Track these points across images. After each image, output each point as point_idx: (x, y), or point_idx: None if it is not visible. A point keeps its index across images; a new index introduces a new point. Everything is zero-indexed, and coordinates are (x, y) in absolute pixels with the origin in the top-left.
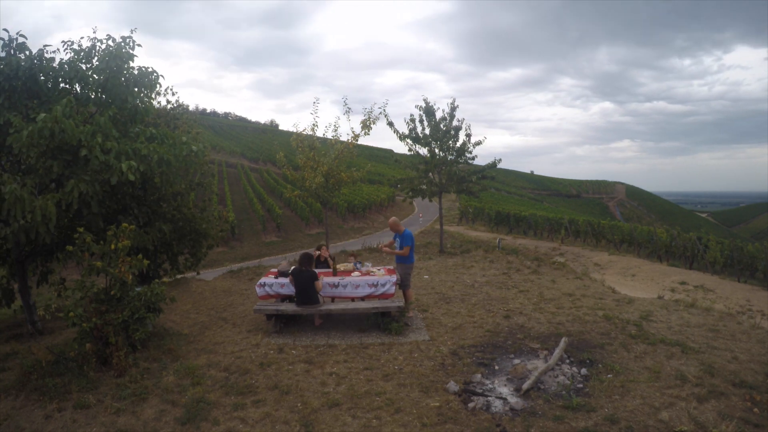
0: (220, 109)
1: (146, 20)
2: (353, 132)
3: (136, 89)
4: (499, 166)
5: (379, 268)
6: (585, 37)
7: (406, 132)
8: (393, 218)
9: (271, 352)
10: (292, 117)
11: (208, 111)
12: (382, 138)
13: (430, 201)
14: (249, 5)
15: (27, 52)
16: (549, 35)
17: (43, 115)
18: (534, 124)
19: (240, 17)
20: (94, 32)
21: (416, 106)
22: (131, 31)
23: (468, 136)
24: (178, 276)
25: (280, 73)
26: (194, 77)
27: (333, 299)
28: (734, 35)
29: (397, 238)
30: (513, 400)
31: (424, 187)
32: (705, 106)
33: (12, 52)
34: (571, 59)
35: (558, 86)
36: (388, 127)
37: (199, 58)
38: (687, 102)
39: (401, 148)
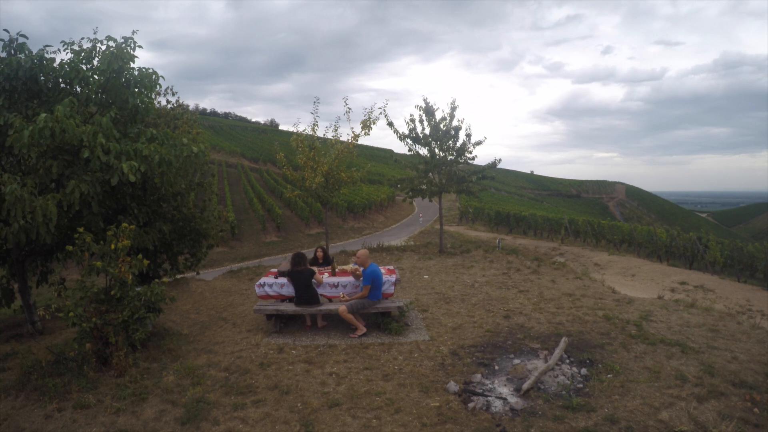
0: (220, 109)
1: None
2: (353, 132)
3: (136, 90)
4: (499, 166)
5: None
6: (549, 117)
7: (406, 132)
8: (363, 250)
9: (271, 352)
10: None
11: (208, 111)
12: (381, 137)
13: (430, 201)
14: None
15: (27, 53)
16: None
17: (44, 115)
18: (536, 143)
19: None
20: (95, 33)
21: (416, 106)
22: (132, 32)
23: (468, 136)
24: (178, 276)
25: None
26: None
27: (331, 299)
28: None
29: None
30: (513, 400)
31: (424, 187)
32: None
33: (12, 52)
34: (542, 126)
35: (548, 135)
36: (388, 127)
37: None
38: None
39: (401, 148)
